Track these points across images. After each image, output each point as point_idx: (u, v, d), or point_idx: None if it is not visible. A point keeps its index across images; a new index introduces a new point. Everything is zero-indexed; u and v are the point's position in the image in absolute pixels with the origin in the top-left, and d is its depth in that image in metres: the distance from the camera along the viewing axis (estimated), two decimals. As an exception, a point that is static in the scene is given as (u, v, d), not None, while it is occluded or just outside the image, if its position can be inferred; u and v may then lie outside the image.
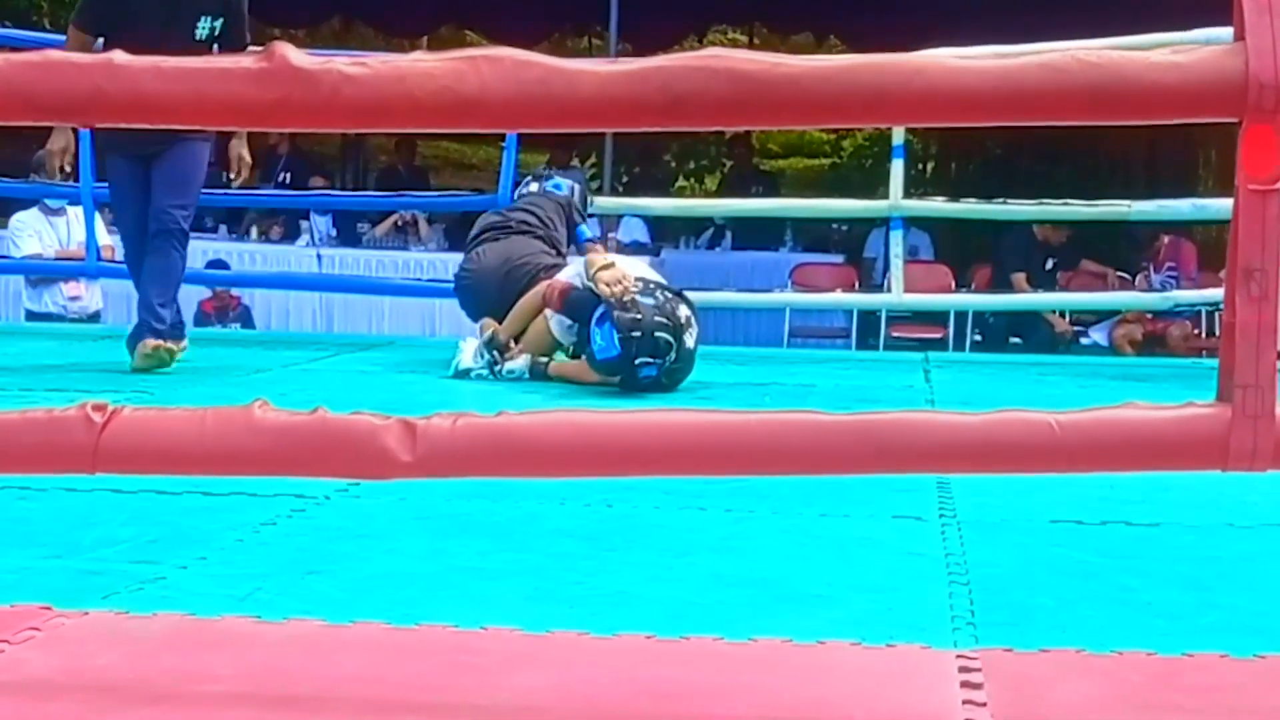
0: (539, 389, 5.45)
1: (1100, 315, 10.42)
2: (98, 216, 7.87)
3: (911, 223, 9.70)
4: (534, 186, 6.75)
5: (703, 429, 2.09)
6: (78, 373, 5.39)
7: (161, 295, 5.65)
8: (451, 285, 6.63)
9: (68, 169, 5.64)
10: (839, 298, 9.99)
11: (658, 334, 5.27)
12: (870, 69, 1.98)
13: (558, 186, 6.75)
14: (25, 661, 2.24)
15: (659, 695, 2.16)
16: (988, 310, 9.96)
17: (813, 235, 12.69)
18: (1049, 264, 10.13)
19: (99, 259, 7.75)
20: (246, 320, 10.01)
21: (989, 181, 13.21)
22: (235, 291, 10.05)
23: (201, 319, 9.73)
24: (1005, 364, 7.25)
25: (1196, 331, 10.12)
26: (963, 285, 11.08)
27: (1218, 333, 8.27)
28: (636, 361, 5.25)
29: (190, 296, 9.71)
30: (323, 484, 3.38)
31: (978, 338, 10.31)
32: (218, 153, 6.17)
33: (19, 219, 8.64)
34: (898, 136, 7.38)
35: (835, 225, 12.71)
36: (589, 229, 6.56)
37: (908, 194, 7.51)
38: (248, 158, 5.75)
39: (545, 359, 5.75)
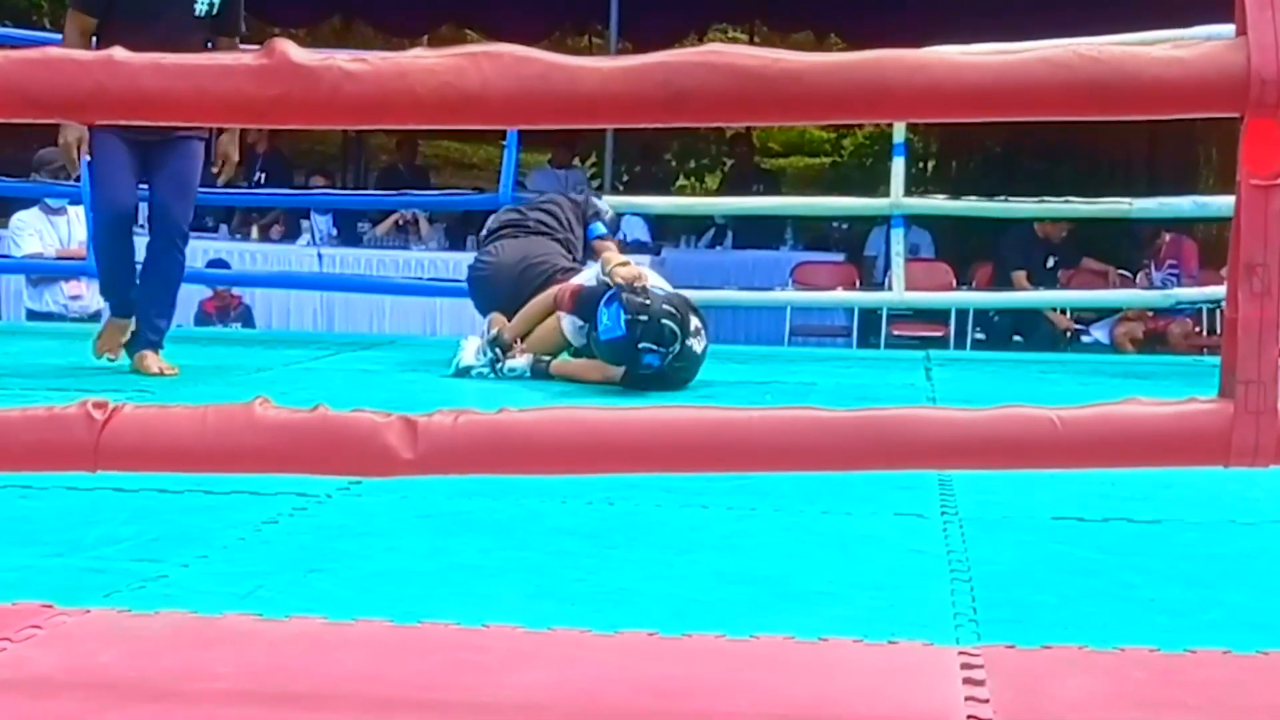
0: (541, 387, 5.45)
1: (1101, 313, 10.42)
2: (98, 216, 7.85)
3: (912, 221, 9.69)
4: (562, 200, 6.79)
5: (704, 426, 2.09)
6: (79, 372, 5.38)
7: (160, 303, 5.62)
8: (451, 284, 6.64)
9: (88, 157, 5.50)
10: (840, 296, 9.98)
11: (664, 321, 5.28)
12: (871, 64, 1.97)
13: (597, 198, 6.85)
14: (27, 659, 2.24)
15: (661, 693, 2.16)
16: (990, 308, 9.96)
17: (813, 234, 12.69)
18: (1050, 262, 10.13)
19: (99, 258, 7.73)
20: (247, 319, 10.01)
21: (990, 179, 13.18)
22: (236, 291, 10.04)
23: (202, 318, 9.73)
24: (1006, 362, 7.25)
25: (1197, 329, 10.12)
26: (964, 283, 11.08)
27: (1219, 330, 8.27)
28: (640, 345, 5.25)
29: (191, 296, 9.73)
30: (324, 482, 3.38)
31: (980, 336, 10.31)
32: (207, 150, 6.15)
33: (20, 218, 8.63)
34: (898, 134, 7.37)
35: (836, 224, 12.70)
36: (601, 226, 6.54)
37: (908, 192, 7.51)
38: (235, 156, 5.67)
39: (547, 357, 5.75)
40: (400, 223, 11.75)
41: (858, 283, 11.12)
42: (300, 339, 7.68)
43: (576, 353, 5.84)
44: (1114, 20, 6.07)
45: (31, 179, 8.52)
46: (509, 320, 5.89)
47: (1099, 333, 10.38)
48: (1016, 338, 10.16)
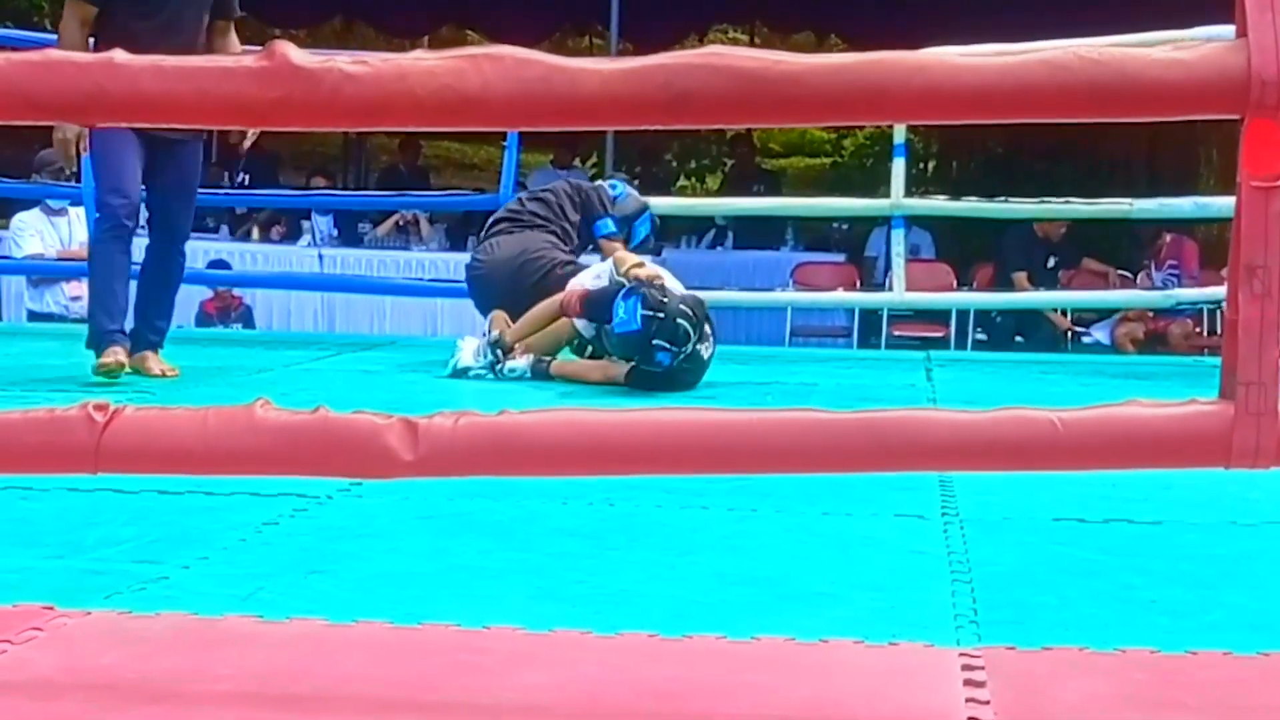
0: (542, 388, 5.45)
1: (1101, 314, 10.42)
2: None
3: (913, 221, 9.70)
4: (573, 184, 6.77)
5: (705, 428, 2.09)
6: (80, 373, 5.38)
7: (160, 304, 5.58)
8: (452, 285, 6.63)
9: (85, 153, 5.44)
10: (840, 297, 9.98)
11: (679, 320, 5.29)
12: (872, 66, 1.97)
13: (613, 186, 6.78)
14: (28, 661, 2.23)
15: (662, 694, 2.16)
16: (992, 309, 9.96)
17: (814, 234, 12.69)
18: (1050, 262, 10.13)
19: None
20: (248, 320, 10.01)
21: (990, 180, 13.20)
22: (237, 291, 10.05)
23: (203, 319, 9.73)
24: (1007, 362, 7.25)
25: (1198, 330, 10.12)
26: (964, 284, 11.09)
27: (1219, 331, 8.27)
28: (654, 342, 5.26)
29: (192, 296, 9.74)
30: (325, 483, 3.38)
31: (982, 336, 10.31)
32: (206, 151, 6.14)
33: (20, 219, 8.64)
34: (899, 135, 7.38)
35: (836, 224, 12.70)
36: (610, 224, 6.52)
37: (909, 193, 7.51)
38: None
39: (548, 358, 5.75)
40: (401, 223, 11.75)
41: (858, 283, 11.12)
42: (301, 340, 7.68)
43: (580, 347, 5.84)
44: (1114, 21, 6.08)
45: (32, 180, 8.53)
46: (510, 318, 5.88)
47: (1100, 333, 10.38)
48: (1018, 338, 10.16)
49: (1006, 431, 2.05)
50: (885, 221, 8.43)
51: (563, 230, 6.34)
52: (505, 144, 7.50)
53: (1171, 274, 9.99)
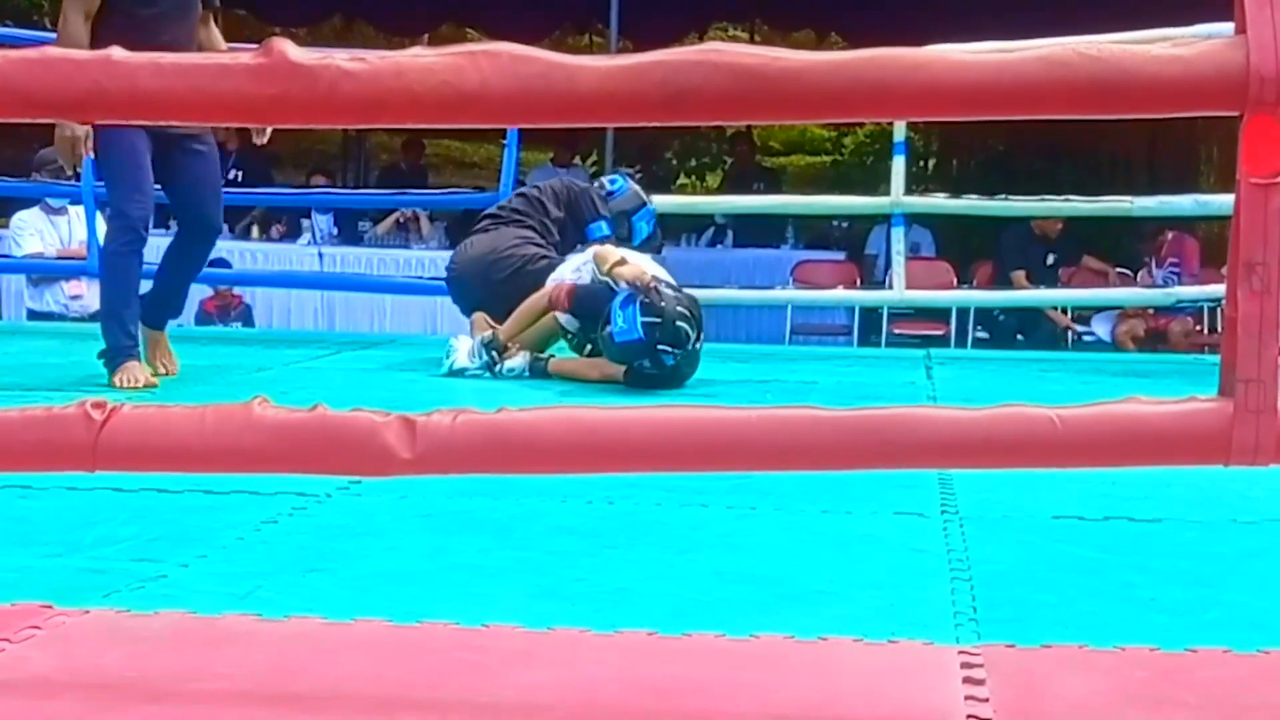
0: (540, 386, 5.45)
1: (1101, 306, 10.41)
2: (99, 215, 7.86)
3: (913, 219, 9.70)
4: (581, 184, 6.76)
5: (704, 425, 2.09)
6: (79, 372, 5.37)
7: (182, 295, 5.56)
8: (452, 283, 6.61)
9: (88, 153, 5.23)
10: (841, 295, 9.98)
11: (679, 323, 5.30)
12: (871, 63, 1.97)
13: (612, 180, 6.76)
14: (26, 660, 2.23)
15: (660, 692, 2.16)
16: (994, 307, 9.96)
17: (814, 232, 12.68)
18: (1049, 259, 10.13)
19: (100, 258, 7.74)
20: (248, 319, 10.01)
21: (991, 178, 13.18)
22: (237, 290, 10.04)
23: (203, 318, 9.73)
24: (1007, 360, 7.24)
25: (1198, 328, 10.11)
26: (964, 282, 11.08)
27: (1220, 329, 8.26)
28: (658, 348, 5.26)
29: (191, 295, 9.68)
30: (324, 482, 3.38)
31: (984, 335, 10.31)
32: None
33: (20, 218, 8.63)
34: (899, 133, 7.37)
35: (837, 222, 12.70)
36: (605, 227, 6.49)
37: (909, 191, 7.51)
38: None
39: (546, 356, 5.75)
40: (401, 220, 11.75)
41: (858, 281, 11.11)
42: (301, 338, 7.68)
43: (580, 346, 5.84)
44: (1114, 19, 6.07)
45: (32, 179, 8.52)
46: (490, 316, 5.88)
47: (1100, 328, 10.38)
48: (1019, 337, 10.16)
49: (1006, 429, 2.04)
50: (885, 219, 8.42)
51: (541, 225, 6.32)
52: (505, 142, 7.50)
53: (1172, 272, 9.98)
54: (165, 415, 2.10)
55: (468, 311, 6.18)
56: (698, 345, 5.43)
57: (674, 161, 17.50)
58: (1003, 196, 7.79)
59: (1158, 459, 2.10)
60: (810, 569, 2.90)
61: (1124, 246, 11.09)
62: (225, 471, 2.25)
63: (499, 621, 2.44)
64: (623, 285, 5.47)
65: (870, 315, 10.43)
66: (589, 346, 5.80)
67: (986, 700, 2.11)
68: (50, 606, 2.46)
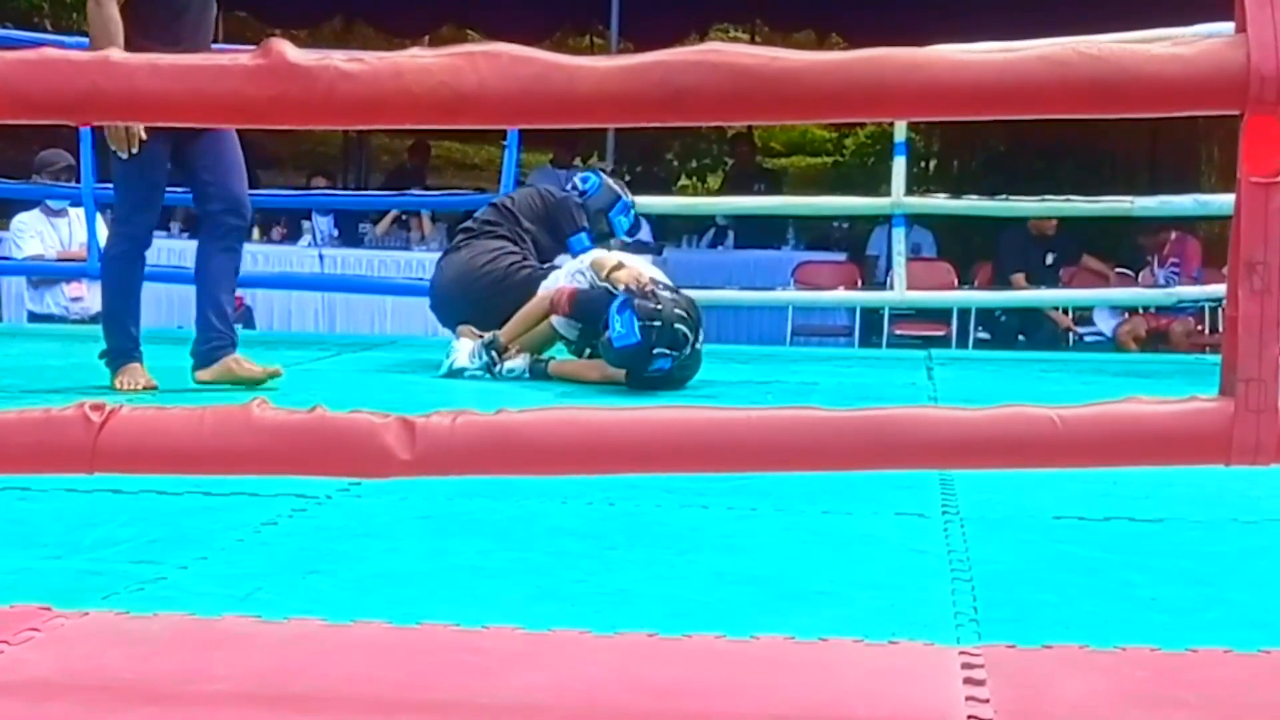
0: (541, 387, 5.45)
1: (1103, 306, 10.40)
2: (99, 217, 7.86)
3: (914, 220, 9.70)
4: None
5: (704, 426, 2.09)
6: (80, 373, 5.37)
7: (231, 300, 5.34)
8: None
9: (144, 136, 4.95)
10: (842, 296, 9.98)
11: (677, 325, 5.30)
12: (870, 63, 1.97)
13: (585, 179, 6.74)
14: (25, 662, 2.23)
15: (661, 693, 2.16)
16: (995, 308, 9.96)
17: (815, 233, 12.67)
18: (1048, 259, 10.13)
19: (100, 260, 7.74)
20: (248, 321, 9.99)
21: (991, 179, 13.18)
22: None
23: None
24: (1008, 361, 7.24)
25: (1200, 328, 10.10)
26: (965, 282, 11.08)
27: (1221, 329, 8.26)
28: (655, 351, 5.26)
29: (191, 296, 9.69)
30: (324, 483, 3.38)
31: (985, 335, 10.31)
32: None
33: (21, 220, 8.63)
34: (899, 133, 7.37)
35: (837, 223, 12.69)
36: (585, 239, 6.48)
37: (910, 191, 7.51)
38: None
39: (546, 358, 5.75)
40: (403, 216, 11.76)
41: (859, 282, 11.11)
42: (301, 340, 7.68)
43: (579, 349, 5.84)
44: (1114, 20, 6.06)
45: (32, 181, 8.52)
46: (477, 330, 5.88)
47: (1102, 323, 10.37)
48: (1021, 337, 10.16)
49: (1006, 429, 2.04)
50: (886, 220, 8.42)
51: (514, 234, 6.33)
52: (505, 144, 7.50)
53: (1174, 272, 9.97)
54: (164, 417, 2.10)
55: (453, 326, 6.18)
56: (698, 346, 5.43)
57: (675, 163, 17.50)
58: (1003, 197, 7.79)
59: (1158, 459, 2.09)
60: (811, 570, 2.90)
61: (1125, 246, 11.08)
62: (224, 473, 2.25)
63: (499, 623, 2.44)
64: (620, 289, 5.47)
65: (871, 316, 10.42)
66: (588, 350, 5.80)
67: (987, 701, 2.10)
68: (49, 608, 2.45)
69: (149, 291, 9.92)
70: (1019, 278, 9.85)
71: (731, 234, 12.26)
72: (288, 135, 13.05)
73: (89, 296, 8.51)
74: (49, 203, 8.49)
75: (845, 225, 12.70)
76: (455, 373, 5.69)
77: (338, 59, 1.99)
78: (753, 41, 15.70)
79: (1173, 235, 10.09)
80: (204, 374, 5.12)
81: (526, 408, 2.10)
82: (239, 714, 2.06)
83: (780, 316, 10.31)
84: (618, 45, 12.24)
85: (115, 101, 2.02)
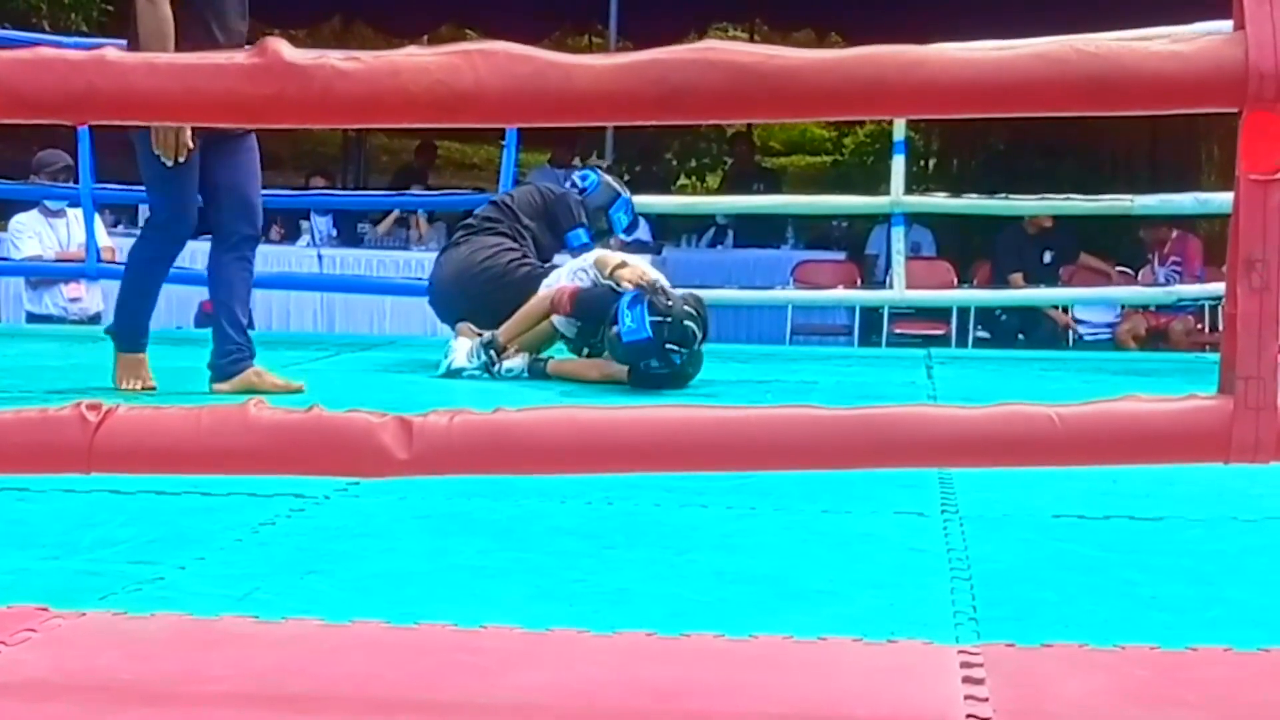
0: (541, 387, 5.44)
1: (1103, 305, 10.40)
2: (97, 218, 7.87)
3: (914, 219, 9.69)
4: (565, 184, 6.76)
5: (704, 425, 2.08)
6: (79, 374, 5.37)
7: (246, 309, 5.27)
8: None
9: (191, 145, 4.88)
10: (841, 295, 9.97)
11: (686, 322, 5.31)
12: (868, 60, 1.96)
13: (584, 177, 6.74)
14: (22, 663, 2.22)
15: (660, 693, 2.15)
16: (995, 307, 9.96)
17: (814, 232, 12.67)
18: (1046, 257, 10.12)
19: (99, 260, 7.75)
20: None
21: (991, 178, 13.18)
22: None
23: (203, 319, 9.70)
24: (1008, 360, 7.24)
25: (1200, 326, 10.10)
26: (965, 281, 11.07)
27: (1221, 327, 8.26)
28: (665, 347, 5.27)
29: (191, 297, 9.71)
30: (322, 483, 3.37)
31: (985, 334, 10.30)
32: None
33: (19, 220, 8.63)
34: (899, 132, 7.37)
35: (837, 222, 12.69)
36: (584, 234, 6.48)
37: (909, 190, 7.51)
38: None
39: (545, 357, 5.75)
40: (402, 215, 11.77)
41: (859, 281, 11.10)
42: (300, 340, 7.67)
43: (578, 349, 5.84)
44: (1115, 20, 6.06)
45: (30, 181, 8.51)
46: (475, 326, 5.88)
47: (1099, 317, 10.36)
48: (1020, 336, 10.16)
49: (1005, 427, 2.04)
50: (886, 219, 8.43)
51: (514, 231, 6.33)
52: (504, 143, 7.49)
53: (1175, 270, 9.97)
54: (161, 417, 2.09)
55: (452, 323, 6.18)
56: (699, 346, 5.44)
57: (674, 162, 17.48)
58: (1003, 196, 7.79)
59: (1157, 457, 2.09)
60: (810, 569, 2.89)
61: (1125, 245, 11.08)
62: (221, 473, 2.25)
63: (497, 622, 2.43)
64: (626, 287, 5.47)
65: (871, 315, 10.42)
66: (586, 350, 5.80)
67: (986, 700, 2.10)
68: (46, 609, 2.45)
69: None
70: (1016, 278, 9.85)
71: (731, 233, 12.26)
72: (287, 135, 13.03)
73: (88, 297, 8.52)
74: (47, 203, 8.48)
75: (844, 224, 12.70)
76: (453, 373, 5.68)
77: (334, 58, 1.98)
78: (752, 41, 15.70)
79: (1173, 234, 10.09)
80: (223, 386, 5.03)
81: (525, 407, 2.10)
82: (237, 714, 2.05)
83: (780, 316, 10.31)
84: (616, 45, 12.24)
85: (111, 101, 2.01)
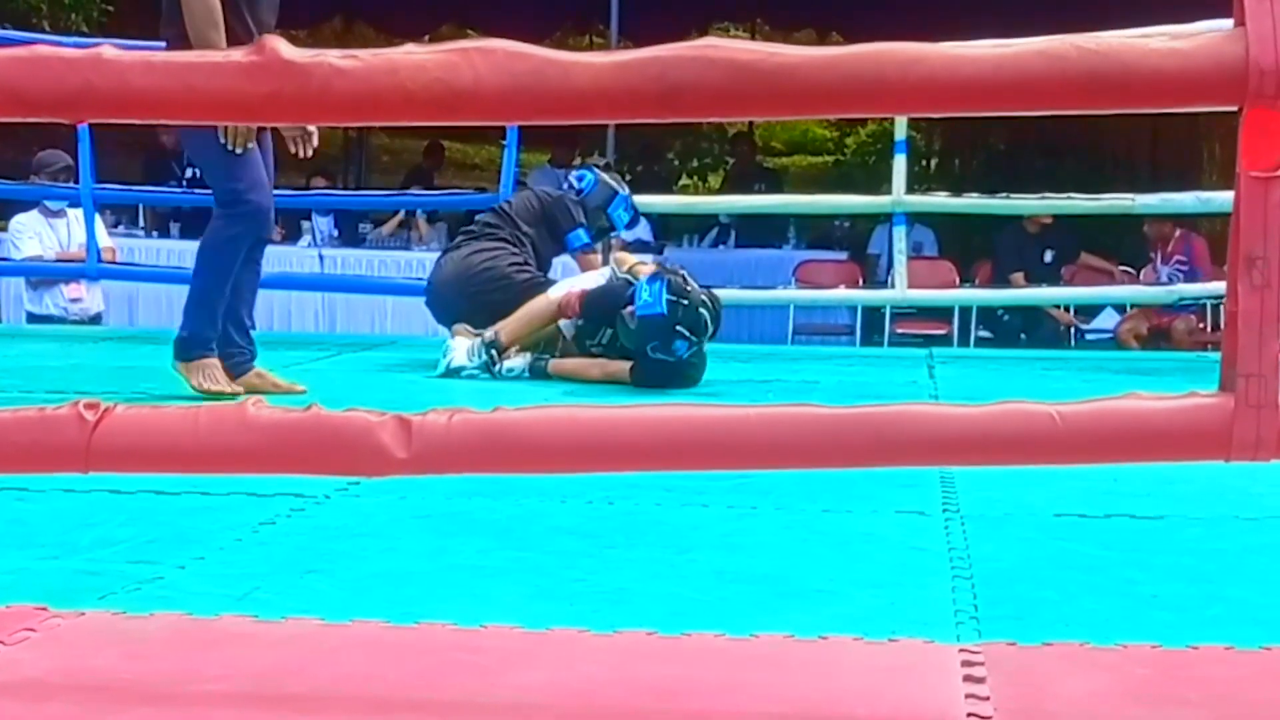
0: (542, 386, 5.44)
1: (1105, 305, 10.40)
2: (98, 218, 7.87)
3: (915, 219, 9.70)
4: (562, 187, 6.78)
5: (704, 424, 2.08)
6: (80, 374, 5.36)
7: (251, 312, 5.17)
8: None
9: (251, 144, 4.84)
10: (843, 294, 9.98)
11: (700, 310, 5.31)
12: (868, 58, 1.96)
13: (580, 177, 6.74)
14: (20, 662, 2.22)
15: (660, 692, 2.15)
16: (997, 306, 9.95)
17: (816, 232, 12.68)
18: (1047, 256, 10.12)
19: (99, 261, 7.75)
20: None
21: (993, 177, 13.19)
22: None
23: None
24: (1009, 359, 7.24)
25: (1202, 325, 10.09)
26: (966, 281, 11.07)
27: (1223, 326, 8.25)
28: (676, 328, 5.26)
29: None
30: (322, 483, 3.37)
31: (987, 334, 10.30)
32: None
33: (19, 221, 8.64)
34: (900, 131, 7.37)
35: (839, 222, 12.69)
36: (584, 235, 6.49)
37: (911, 190, 7.50)
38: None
39: (546, 356, 5.75)
40: (405, 214, 11.79)
41: (861, 281, 11.11)
42: (301, 340, 7.67)
43: (568, 349, 5.84)
44: (1116, 20, 6.05)
45: (31, 181, 8.52)
46: (473, 328, 5.88)
47: (1105, 319, 10.36)
48: (1022, 335, 10.15)
49: (1005, 425, 2.03)
50: (887, 219, 8.42)
51: (514, 237, 6.35)
52: (505, 143, 7.50)
53: (1179, 269, 9.95)
54: (158, 416, 2.09)
55: (449, 324, 6.18)
56: (708, 338, 5.45)
57: (676, 162, 17.50)
58: (1005, 195, 7.79)
59: (1158, 455, 2.08)
60: (811, 568, 2.89)
61: (1127, 244, 11.08)
62: (219, 472, 2.25)
63: (498, 622, 2.43)
64: (644, 277, 5.51)
65: (873, 315, 10.42)
66: (589, 343, 5.80)
67: (987, 699, 2.09)
68: (46, 609, 2.45)
69: (148, 292, 9.97)
70: (1017, 278, 9.85)
71: (733, 233, 12.26)
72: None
73: (88, 297, 8.52)
74: (47, 203, 8.49)
75: (846, 224, 12.70)
76: (453, 372, 5.68)
77: (332, 56, 1.98)
78: (753, 40, 15.68)
79: (1177, 233, 10.08)
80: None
81: (525, 406, 2.10)
82: (237, 714, 2.05)
83: (781, 315, 10.31)
84: (617, 44, 12.23)
85: (109, 99, 2.01)
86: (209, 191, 5.15)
